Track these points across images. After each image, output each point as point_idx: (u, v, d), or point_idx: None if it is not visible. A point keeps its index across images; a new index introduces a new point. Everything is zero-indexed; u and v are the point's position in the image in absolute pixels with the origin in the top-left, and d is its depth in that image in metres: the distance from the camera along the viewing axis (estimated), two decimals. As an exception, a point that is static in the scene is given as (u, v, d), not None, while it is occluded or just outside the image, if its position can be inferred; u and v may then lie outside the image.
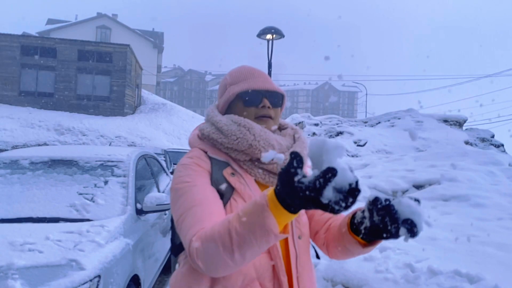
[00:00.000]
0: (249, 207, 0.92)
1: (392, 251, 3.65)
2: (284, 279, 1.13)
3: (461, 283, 2.90)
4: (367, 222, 0.96)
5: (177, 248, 1.24)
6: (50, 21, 42.94)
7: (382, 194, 1.00)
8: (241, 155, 1.22)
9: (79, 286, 2.13)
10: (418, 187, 7.02)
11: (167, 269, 4.28)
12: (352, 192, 0.76)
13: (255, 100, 1.27)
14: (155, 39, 42.51)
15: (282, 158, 0.95)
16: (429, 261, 3.37)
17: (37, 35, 32.51)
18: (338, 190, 0.76)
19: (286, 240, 1.20)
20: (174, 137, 22.38)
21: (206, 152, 1.26)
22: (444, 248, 3.95)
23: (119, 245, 2.63)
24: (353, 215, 1.11)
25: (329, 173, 0.75)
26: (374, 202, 0.92)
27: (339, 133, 16.84)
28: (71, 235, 2.48)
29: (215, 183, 1.19)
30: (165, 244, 3.89)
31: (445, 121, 16.61)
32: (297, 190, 0.79)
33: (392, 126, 17.13)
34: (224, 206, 1.16)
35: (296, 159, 0.81)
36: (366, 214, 0.96)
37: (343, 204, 0.76)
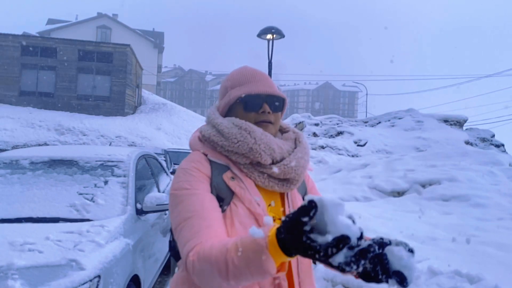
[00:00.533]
0: (248, 242, 0.89)
1: (392, 251, 3.64)
2: (284, 283, 1.13)
3: (461, 283, 2.90)
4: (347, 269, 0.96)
5: (177, 253, 1.24)
6: (50, 21, 42.95)
7: (377, 237, 0.93)
8: (242, 158, 1.21)
9: (79, 286, 2.12)
10: (419, 187, 7.01)
11: (167, 269, 4.28)
12: (364, 253, 0.74)
13: (255, 105, 1.26)
14: (156, 39, 42.52)
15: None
16: (429, 261, 3.37)
17: (37, 35, 32.52)
18: (348, 248, 0.73)
19: None
20: (175, 137, 22.39)
21: (206, 155, 1.25)
22: (445, 248, 3.95)
23: (119, 245, 2.63)
24: None
25: (343, 241, 0.73)
26: (370, 247, 0.93)
27: (339, 133, 16.84)
28: (71, 235, 2.48)
29: (215, 188, 1.18)
30: (165, 244, 3.88)
31: (446, 121, 16.60)
32: (306, 248, 0.76)
33: (393, 126, 17.13)
34: (224, 211, 1.16)
35: (308, 208, 0.76)
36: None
37: (355, 266, 0.74)
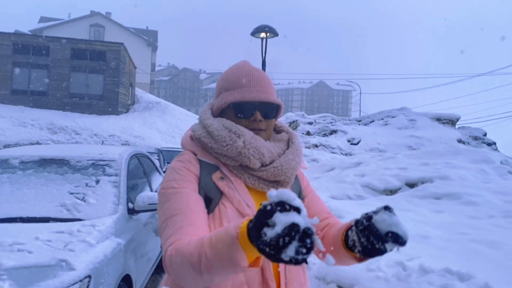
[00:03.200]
0: (221, 233, 0.90)
1: (384, 250, 3.66)
2: (272, 283, 1.13)
3: (452, 281, 2.92)
4: (358, 246, 0.98)
5: None
6: (42, 19, 42.60)
7: (362, 213, 1.00)
8: (231, 161, 1.21)
9: (69, 286, 2.11)
10: (411, 185, 7.06)
11: (160, 269, 4.27)
12: (306, 235, 0.72)
13: (247, 113, 1.24)
14: (149, 37, 42.34)
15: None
16: (421, 259, 3.39)
17: (29, 33, 32.25)
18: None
19: None
20: (168, 136, 22.32)
21: (196, 155, 1.25)
22: (436, 246, 3.98)
23: (111, 244, 2.62)
24: (346, 232, 1.10)
25: (293, 230, 0.71)
26: (357, 225, 0.97)
27: (333, 132, 16.89)
28: (61, 235, 2.46)
29: (203, 188, 1.18)
30: (158, 243, 3.87)
31: (438, 119, 16.72)
32: (258, 242, 0.76)
33: (386, 124, 17.22)
34: (213, 211, 1.16)
35: (266, 209, 0.76)
36: (355, 237, 0.99)
37: (304, 251, 0.72)
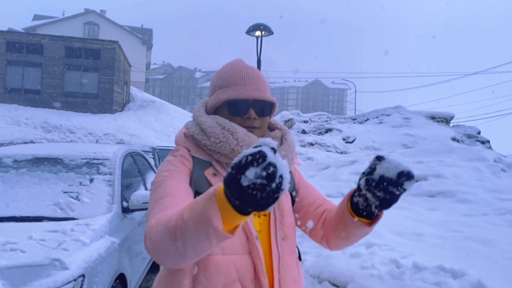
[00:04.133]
0: (201, 196, 0.89)
1: (378, 247, 3.69)
2: (264, 280, 1.13)
3: (445, 278, 2.94)
4: (374, 203, 0.98)
5: None
6: (36, 17, 42.29)
7: (365, 169, 1.01)
8: (224, 158, 1.21)
9: (63, 286, 2.10)
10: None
11: (155, 268, 4.26)
12: (271, 176, 0.71)
13: (241, 110, 1.25)
14: (144, 36, 42.16)
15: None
16: (415, 257, 3.41)
17: (23, 31, 31.98)
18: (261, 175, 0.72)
19: (269, 241, 1.20)
20: (163, 134, 22.26)
21: (189, 151, 1.25)
22: (430, 244, 4.01)
23: (105, 243, 2.61)
24: (350, 201, 1.11)
25: (259, 155, 0.71)
26: (369, 184, 0.96)
27: (328, 130, 16.92)
28: (55, 234, 2.45)
29: (195, 182, 1.19)
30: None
31: (433, 118, 16.79)
32: (227, 173, 0.75)
33: (381, 123, 17.28)
34: None
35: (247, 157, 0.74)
36: (369, 195, 0.98)
37: (264, 175, 0.71)
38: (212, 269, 1.12)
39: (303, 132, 16.88)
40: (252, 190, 0.71)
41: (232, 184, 0.74)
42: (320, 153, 13.79)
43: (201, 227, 0.85)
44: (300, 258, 1.39)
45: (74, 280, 2.17)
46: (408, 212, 5.36)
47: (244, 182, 0.72)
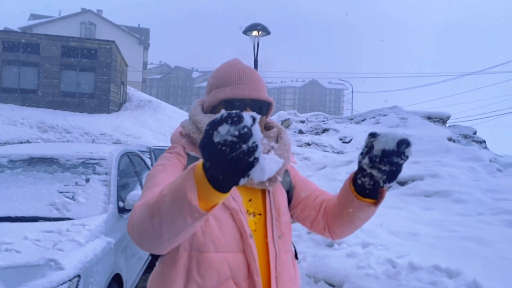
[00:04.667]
0: (183, 172, 0.88)
1: (374, 247, 3.70)
2: (258, 278, 1.13)
3: (440, 278, 2.95)
4: (382, 178, 0.99)
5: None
6: (32, 16, 42.11)
7: (362, 149, 1.05)
8: None
9: (58, 286, 2.09)
10: (402, 183, 7.11)
11: (151, 268, 4.25)
12: (245, 136, 0.71)
13: (237, 110, 1.25)
14: (141, 35, 42.06)
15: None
16: (410, 256, 3.42)
17: (19, 30, 31.83)
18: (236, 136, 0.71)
19: (265, 239, 1.21)
20: (160, 134, 22.22)
21: (184, 148, 1.26)
22: (426, 244, 4.02)
23: (100, 244, 2.60)
24: (353, 184, 1.12)
25: (235, 115, 0.72)
26: (372, 162, 0.98)
27: (325, 130, 16.94)
28: (51, 235, 2.44)
29: None
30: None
31: (429, 118, 16.83)
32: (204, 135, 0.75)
33: (377, 123, 17.30)
34: None
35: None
36: (375, 172, 0.99)
37: (236, 134, 0.70)
38: (205, 267, 1.12)
39: (300, 132, 16.89)
40: (222, 146, 0.71)
41: (205, 140, 0.74)
42: (317, 153, 13.80)
43: (177, 201, 0.84)
44: (296, 257, 1.40)
45: (70, 280, 2.16)
46: (404, 212, 5.38)
47: (216, 137, 0.71)
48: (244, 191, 1.23)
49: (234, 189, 1.20)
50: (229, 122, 0.71)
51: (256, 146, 0.72)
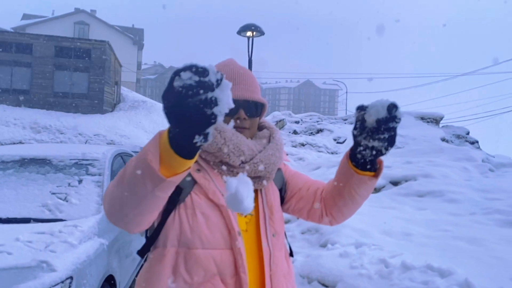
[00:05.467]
0: None
1: (367, 247, 3.71)
2: (244, 276, 1.13)
3: (433, 277, 2.98)
4: (383, 145, 1.02)
5: (143, 249, 1.24)
6: (25, 16, 41.80)
7: (354, 125, 1.10)
8: (211, 156, 1.22)
9: None
10: (395, 183, 7.15)
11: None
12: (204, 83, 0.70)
13: (231, 111, 1.23)
14: (135, 36, 41.88)
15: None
16: (403, 256, 3.44)
17: (12, 30, 31.59)
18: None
19: (258, 239, 1.21)
20: (151, 133, 22.14)
21: None
22: (418, 243, 4.05)
23: (93, 245, 2.60)
24: (351, 161, 1.14)
25: (200, 67, 0.71)
26: (370, 134, 1.01)
27: (319, 130, 16.98)
28: (43, 236, 2.43)
29: None
30: (143, 243, 3.84)
31: (422, 118, 16.92)
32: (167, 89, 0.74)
33: (371, 123, 17.35)
34: (184, 201, 1.17)
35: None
36: (376, 143, 1.02)
37: (196, 79, 0.70)
38: (192, 263, 1.13)
39: (295, 132, 16.91)
40: (181, 89, 0.70)
41: (167, 87, 0.74)
42: (311, 153, 13.83)
43: (138, 163, 0.85)
44: (292, 254, 1.41)
45: (62, 282, 2.15)
46: (397, 212, 5.41)
47: (176, 81, 0.71)
48: None
49: (224, 187, 1.20)
50: (193, 70, 0.71)
51: (216, 101, 0.71)
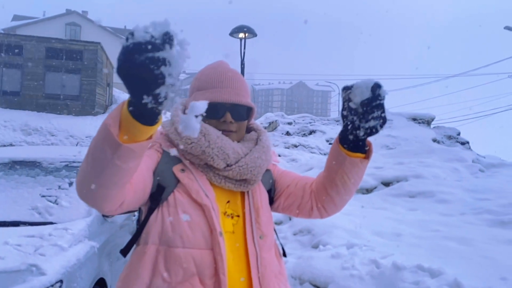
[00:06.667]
0: None
1: (358, 248, 3.74)
2: (224, 277, 1.12)
3: (423, 277, 3.00)
4: (378, 122, 1.03)
5: (126, 248, 1.25)
6: (16, 17, 41.44)
7: (342, 107, 1.13)
8: (196, 159, 1.22)
9: (40, 291, 2.07)
10: (387, 184, 7.20)
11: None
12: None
13: (217, 114, 1.25)
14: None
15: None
16: (394, 256, 3.47)
17: (2, 31, 31.28)
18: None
19: (245, 241, 1.21)
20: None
21: (161, 145, 1.27)
22: (409, 244, 4.08)
23: (84, 248, 2.58)
24: (341, 144, 1.15)
25: (155, 28, 0.72)
26: (364, 116, 1.03)
27: (312, 132, 17.04)
28: (32, 239, 2.41)
29: (158, 174, 1.19)
30: (134, 245, 3.83)
31: (414, 119, 17.06)
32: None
33: (364, 124, 17.45)
34: (167, 200, 1.17)
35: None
36: (372, 122, 1.03)
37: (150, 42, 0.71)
38: (171, 261, 1.12)
39: (287, 133, 16.95)
40: (131, 46, 0.71)
41: (121, 47, 0.74)
42: (304, 154, 13.88)
43: (100, 130, 0.86)
44: (285, 255, 1.41)
45: (52, 285, 2.14)
46: (388, 212, 5.45)
47: (129, 40, 0.72)
48: (222, 192, 1.24)
49: (208, 186, 1.20)
50: (146, 30, 0.72)
51: (164, 60, 0.72)
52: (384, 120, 1.04)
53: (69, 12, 38.97)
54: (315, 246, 4.05)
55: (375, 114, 1.02)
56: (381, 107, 1.02)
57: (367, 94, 1.01)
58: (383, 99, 1.01)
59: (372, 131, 1.06)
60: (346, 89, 1.06)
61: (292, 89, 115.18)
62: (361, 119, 1.04)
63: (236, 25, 11.63)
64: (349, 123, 1.08)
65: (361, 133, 1.07)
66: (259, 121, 17.22)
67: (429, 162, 8.10)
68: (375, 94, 1.00)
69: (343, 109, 1.08)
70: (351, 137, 1.10)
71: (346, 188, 1.22)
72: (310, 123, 18.03)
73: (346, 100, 1.06)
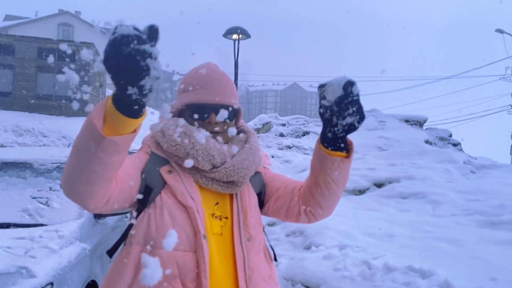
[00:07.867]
0: None
1: (350, 249, 3.75)
2: (205, 281, 1.12)
3: (414, 278, 3.02)
4: (356, 118, 1.04)
5: (112, 249, 1.25)
6: (7, 17, 41.08)
7: (319, 105, 1.13)
8: (181, 161, 1.21)
9: (30, 294, 2.06)
10: (379, 185, 7.24)
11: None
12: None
13: (202, 115, 1.25)
14: (120, 38, 41.46)
15: None
16: (386, 257, 3.49)
17: (-7, 31, 30.99)
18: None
19: (232, 242, 1.21)
20: (140, 137, 21.50)
21: (150, 147, 1.29)
22: (401, 245, 4.11)
23: (75, 250, 2.56)
24: (322, 144, 1.15)
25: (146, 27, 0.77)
26: (337, 111, 1.04)
27: (306, 133, 17.08)
28: (22, 241, 2.39)
29: (145, 175, 1.21)
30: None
31: (407, 121, 17.17)
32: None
33: (356, 126, 17.50)
34: (153, 201, 1.18)
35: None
36: (348, 119, 1.03)
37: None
38: None
39: (281, 135, 16.97)
40: (118, 37, 0.75)
41: (108, 39, 0.77)
42: (297, 156, 13.89)
43: (84, 124, 0.88)
44: (275, 259, 1.40)
45: (42, 288, 2.12)
46: (380, 213, 5.48)
47: (117, 31, 0.75)
48: (211, 194, 1.24)
49: (194, 188, 1.20)
50: (133, 26, 0.76)
51: (150, 54, 0.75)
52: (361, 117, 1.04)
53: (61, 12, 38.69)
54: (308, 247, 4.06)
55: (350, 111, 1.02)
56: (355, 103, 1.02)
57: (339, 92, 1.02)
58: (356, 96, 1.02)
59: (350, 128, 1.06)
60: (321, 87, 1.07)
61: (286, 91, 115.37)
62: (338, 117, 1.04)
63: (230, 27, 11.64)
64: (327, 121, 1.09)
65: (339, 130, 1.07)
66: (252, 123, 17.22)
67: (421, 163, 8.16)
68: (347, 92, 1.01)
69: (320, 107, 1.09)
70: (329, 135, 1.10)
71: (330, 189, 1.21)
72: (303, 124, 18.08)
73: (322, 98, 1.07)
